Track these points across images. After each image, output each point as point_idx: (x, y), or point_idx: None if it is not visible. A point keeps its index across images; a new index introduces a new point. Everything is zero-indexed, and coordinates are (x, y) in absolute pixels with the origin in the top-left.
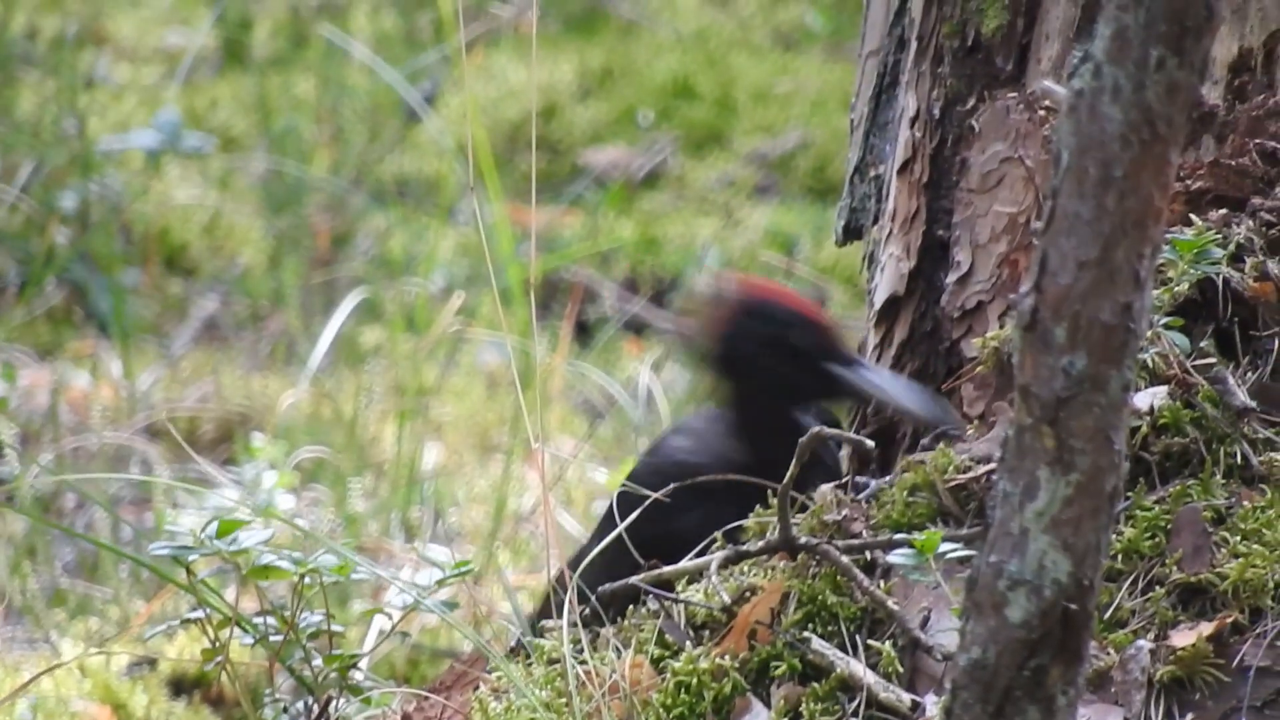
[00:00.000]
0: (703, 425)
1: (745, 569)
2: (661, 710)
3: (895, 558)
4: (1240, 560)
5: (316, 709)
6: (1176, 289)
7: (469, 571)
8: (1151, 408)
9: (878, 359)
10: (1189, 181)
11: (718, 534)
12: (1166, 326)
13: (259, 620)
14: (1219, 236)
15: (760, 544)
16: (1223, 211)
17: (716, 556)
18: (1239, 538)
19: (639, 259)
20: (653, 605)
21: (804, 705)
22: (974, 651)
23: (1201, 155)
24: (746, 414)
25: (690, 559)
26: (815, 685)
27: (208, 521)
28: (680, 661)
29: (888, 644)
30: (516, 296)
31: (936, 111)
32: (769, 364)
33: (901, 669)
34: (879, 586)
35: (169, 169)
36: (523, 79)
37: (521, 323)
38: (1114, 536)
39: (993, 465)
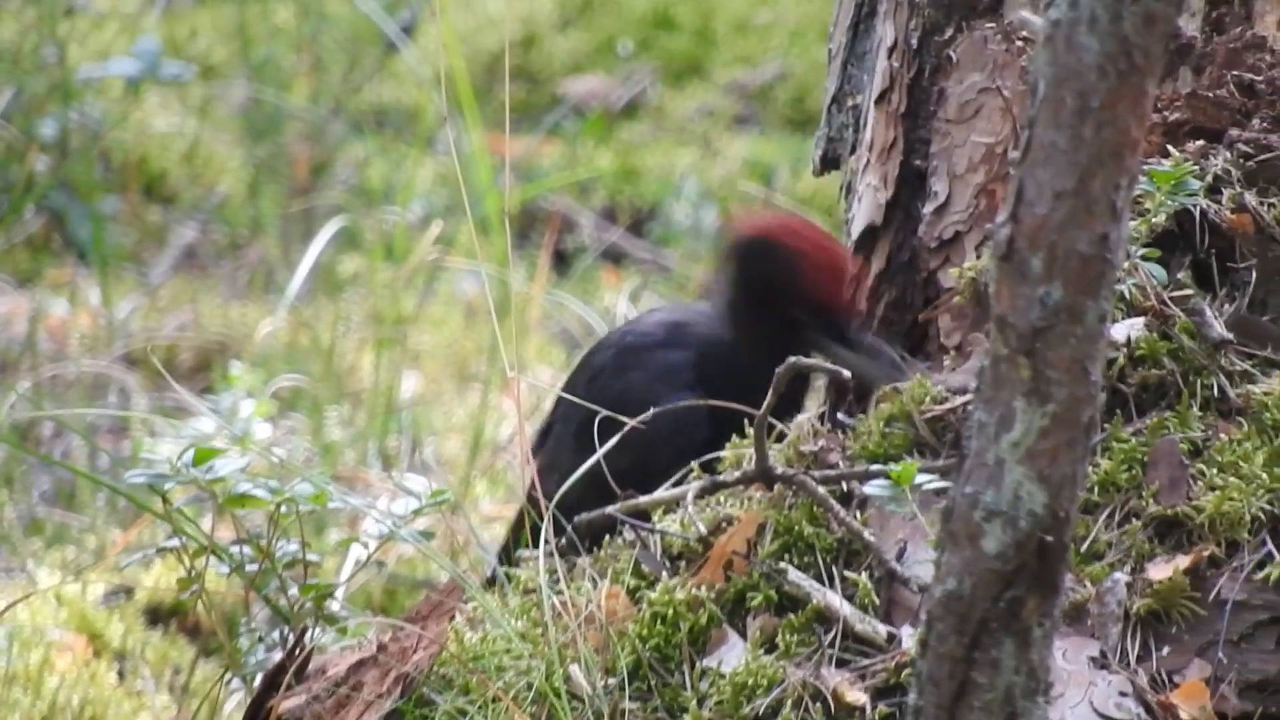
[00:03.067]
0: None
1: (722, 499)
2: (637, 641)
3: (872, 489)
4: (1217, 493)
5: (292, 638)
6: (1154, 220)
7: (445, 501)
8: (1128, 339)
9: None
10: (1166, 113)
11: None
12: (1144, 258)
13: (235, 549)
14: (1196, 168)
15: (737, 475)
16: (1200, 143)
17: (693, 486)
18: (1216, 470)
19: (617, 189)
20: (629, 535)
21: (780, 636)
22: (949, 583)
23: (1179, 87)
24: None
25: (666, 488)
26: (791, 616)
27: (184, 450)
28: (656, 592)
29: (864, 575)
30: (495, 226)
31: (914, 42)
32: (770, 302)
33: (878, 600)
34: (855, 518)
35: (148, 97)
36: (501, 8)
37: (499, 252)
38: (1090, 468)
39: (969, 396)
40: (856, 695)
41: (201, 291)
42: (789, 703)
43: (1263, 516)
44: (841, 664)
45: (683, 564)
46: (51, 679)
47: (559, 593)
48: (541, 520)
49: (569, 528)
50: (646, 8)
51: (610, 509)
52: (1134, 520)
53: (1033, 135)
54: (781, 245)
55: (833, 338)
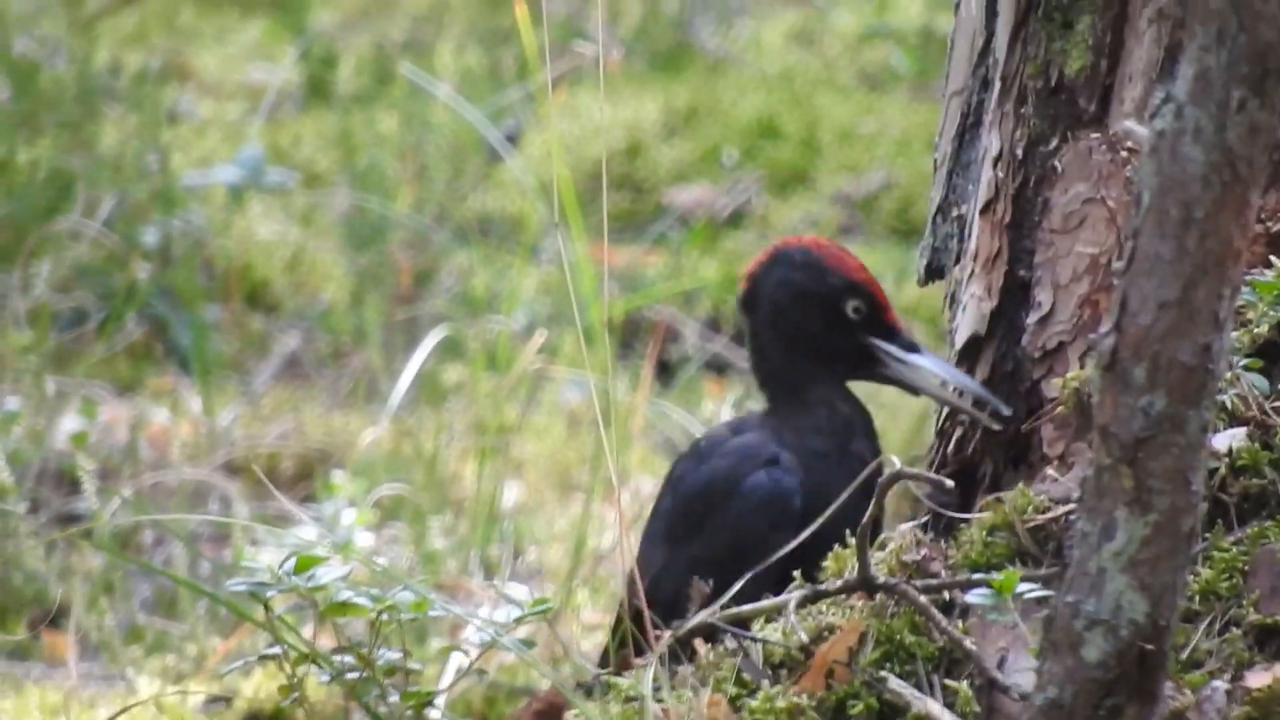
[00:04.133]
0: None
1: (823, 608)
2: None
3: (973, 597)
4: None
5: None
6: (1256, 330)
7: (547, 609)
8: (1230, 449)
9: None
10: (1269, 223)
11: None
12: (1246, 368)
13: (336, 657)
14: None
15: (838, 583)
16: None
17: (795, 595)
18: None
19: (722, 298)
20: (730, 644)
21: None
22: (1050, 691)
23: None
24: (777, 375)
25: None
26: None
27: (285, 558)
28: (758, 700)
29: (965, 683)
30: (598, 335)
31: (1019, 151)
32: (813, 325)
33: (978, 708)
34: (957, 626)
35: (251, 204)
36: (606, 117)
37: (602, 361)
38: (1191, 577)
39: (1071, 505)
40: None
41: (304, 400)
42: None
43: None
44: None
45: (784, 672)
46: None
47: (660, 700)
48: (639, 628)
49: (669, 634)
50: (751, 117)
51: (711, 617)
52: (1234, 629)
53: (1137, 245)
54: (813, 246)
55: (890, 340)
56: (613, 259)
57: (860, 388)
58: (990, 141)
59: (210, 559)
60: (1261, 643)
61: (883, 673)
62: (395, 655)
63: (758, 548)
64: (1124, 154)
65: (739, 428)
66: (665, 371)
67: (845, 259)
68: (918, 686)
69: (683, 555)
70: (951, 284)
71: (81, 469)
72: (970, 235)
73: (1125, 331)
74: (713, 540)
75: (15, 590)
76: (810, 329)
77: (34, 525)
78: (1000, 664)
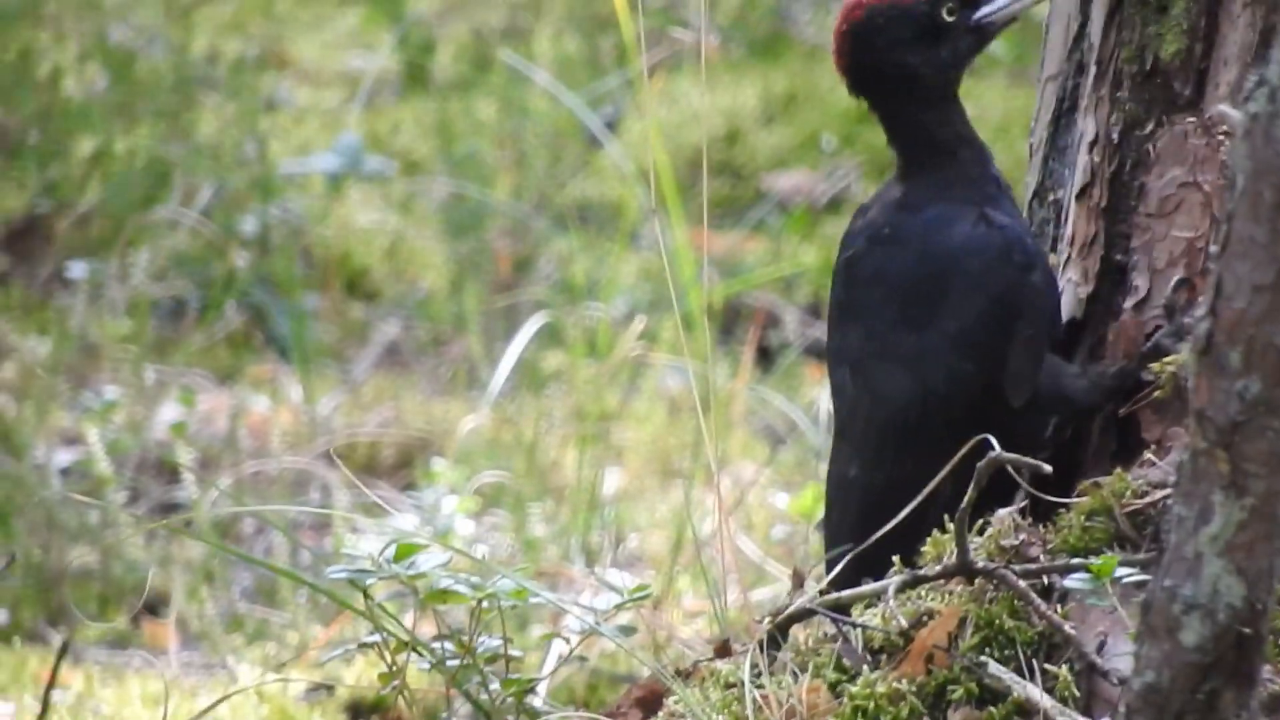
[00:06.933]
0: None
1: (922, 593)
2: None
3: (1072, 582)
4: None
5: None
6: None
7: (647, 596)
8: None
9: None
10: None
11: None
12: None
13: (436, 645)
14: None
15: (938, 569)
16: None
17: (894, 580)
18: None
19: (821, 284)
20: (830, 629)
21: None
22: (1148, 675)
23: None
24: (923, 129)
25: (869, 584)
26: (992, 709)
27: (386, 546)
28: (857, 686)
29: (1064, 668)
30: (698, 321)
31: (1115, 136)
32: (934, 54)
33: (1077, 693)
34: (1056, 611)
35: (350, 193)
36: (706, 104)
37: (702, 347)
38: None
39: (1168, 490)
40: None
41: (404, 388)
42: None
43: None
44: None
45: (884, 658)
46: None
47: (760, 687)
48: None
49: (768, 620)
50: (850, 103)
51: (810, 604)
52: None
53: (1231, 229)
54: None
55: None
56: (712, 245)
57: None
58: (1086, 126)
59: (310, 548)
60: None
61: (982, 658)
62: (496, 643)
63: (1016, 295)
64: (1219, 138)
65: (905, 201)
66: (765, 357)
67: None
68: (1017, 671)
69: (938, 335)
70: None
71: (181, 458)
72: (1066, 220)
73: (1220, 315)
74: (965, 308)
75: (116, 580)
76: (932, 60)
77: (134, 515)
78: (1099, 648)
